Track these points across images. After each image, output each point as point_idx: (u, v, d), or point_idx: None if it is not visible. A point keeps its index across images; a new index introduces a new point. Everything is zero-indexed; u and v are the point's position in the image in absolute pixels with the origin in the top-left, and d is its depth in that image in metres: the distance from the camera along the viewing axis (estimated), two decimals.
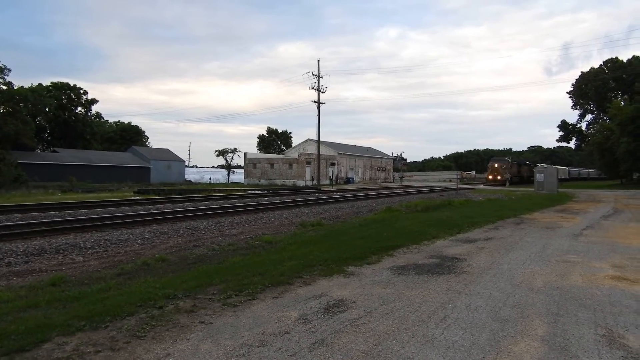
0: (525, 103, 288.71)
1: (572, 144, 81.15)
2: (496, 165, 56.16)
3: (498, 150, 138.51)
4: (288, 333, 4.24)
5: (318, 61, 50.62)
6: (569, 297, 5.60)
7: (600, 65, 68.55)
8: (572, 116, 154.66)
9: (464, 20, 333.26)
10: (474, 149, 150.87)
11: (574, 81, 70.58)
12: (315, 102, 49.86)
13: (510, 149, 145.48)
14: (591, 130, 65.27)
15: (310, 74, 49.85)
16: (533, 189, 36.07)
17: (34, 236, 10.03)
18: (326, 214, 16.80)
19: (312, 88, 49.80)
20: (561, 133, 74.83)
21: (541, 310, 5.07)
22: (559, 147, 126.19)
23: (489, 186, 49.39)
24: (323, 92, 50.38)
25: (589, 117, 71.67)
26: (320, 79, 50.02)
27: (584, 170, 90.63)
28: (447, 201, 22.29)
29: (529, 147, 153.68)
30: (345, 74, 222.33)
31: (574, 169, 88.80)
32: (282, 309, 4.97)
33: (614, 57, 71.23)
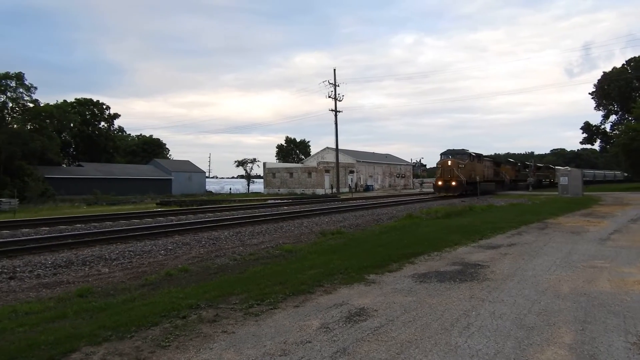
0: (545, 105, 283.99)
1: (596, 146, 79.09)
2: (449, 163, 35.06)
3: (519, 154, 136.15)
4: (310, 342, 4.24)
5: (334, 70, 50.84)
6: (596, 304, 5.46)
7: (623, 64, 66.73)
8: (596, 117, 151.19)
9: (479, 24, 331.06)
10: (495, 154, 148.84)
11: (595, 82, 68.99)
12: (332, 110, 50.02)
13: (532, 152, 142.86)
14: (616, 131, 63.15)
15: (326, 83, 50.11)
16: (557, 193, 35.32)
17: (61, 249, 10.29)
18: (346, 222, 16.77)
19: (329, 97, 50.02)
20: (585, 135, 72.96)
21: (568, 317, 4.96)
22: (582, 149, 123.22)
23: (440, 200, 31.50)
24: (340, 101, 50.56)
25: (613, 117, 69.71)
26: (337, 87, 50.23)
27: (609, 172, 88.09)
28: (469, 207, 22.01)
29: (551, 150, 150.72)
30: (361, 82, 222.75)
31: (599, 171, 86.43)
32: (303, 318, 4.98)
33: (637, 55, 69.41)
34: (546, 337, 4.35)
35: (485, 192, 37.77)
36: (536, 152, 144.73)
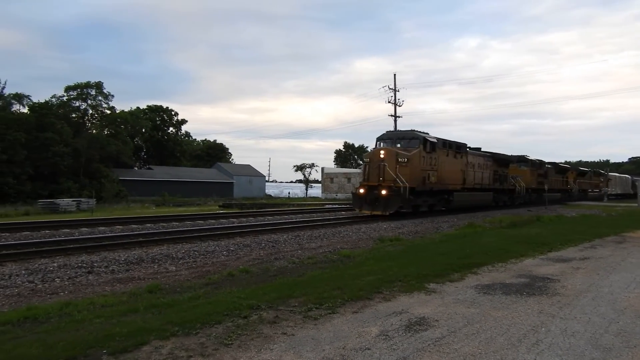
0: (624, 110, 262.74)
1: None
2: (382, 155, 20.30)
3: (593, 162, 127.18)
4: (369, 349, 4.20)
5: (394, 75, 50.24)
6: None
7: None
8: None
9: (549, 26, 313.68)
10: (565, 161, 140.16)
11: None
12: (391, 115, 49.46)
13: (607, 160, 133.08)
14: None
15: (386, 88, 49.57)
16: (636, 204, 32.63)
17: (133, 246, 10.94)
18: (404, 228, 16.50)
19: (389, 102, 49.46)
20: None
21: None
22: None
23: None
24: (400, 106, 49.79)
25: None
26: (397, 92, 49.65)
27: None
28: (536, 217, 20.89)
29: (629, 159, 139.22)
30: (421, 87, 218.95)
31: None
32: (362, 324, 4.95)
33: None
34: (625, 359, 4.02)
35: (465, 207, 24.46)
36: (612, 160, 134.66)
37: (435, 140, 21.94)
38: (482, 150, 29.28)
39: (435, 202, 22.80)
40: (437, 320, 5.10)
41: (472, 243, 11.77)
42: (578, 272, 8.17)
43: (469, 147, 26.19)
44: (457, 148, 24.19)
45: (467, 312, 5.45)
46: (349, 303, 5.78)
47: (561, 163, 49.85)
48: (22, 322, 4.94)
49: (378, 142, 22.02)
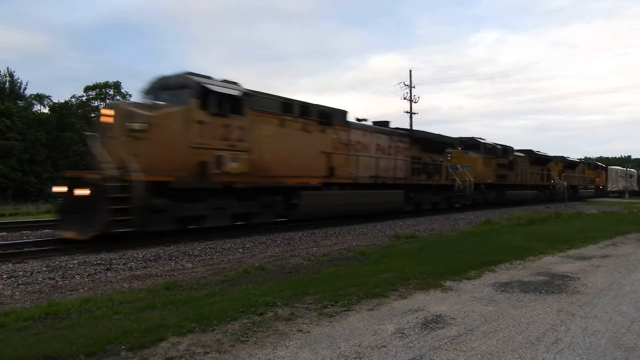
0: None
1: None
2: (106, 118, 10.48)
3: (614, 159, 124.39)
4: (385, 347, 4.18)
5: (410, 71, 49.72)
6: None
7: None
8: None
9: (570, 19, 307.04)
10: (585, 157, 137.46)
11: None
12: (407, 112, 49.13)
13: (629, 156, 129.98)
14: None
15: (402, 85, 49.20)
16: None
17: (151, 244, 11.07)
18: (420, 226, 16.39)
19: (404, 98, 49.13)
20: None
21: None
22: None
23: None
24: (415, 102, 49.29)
25: None
26: (413, 88, 49.21)
27: None
28: (555, 214, 20.58)
29: None
30: (438, 83, 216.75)
31: None
32: (377, 322, 4.93)
33: None
34: None
35: (324, 215, 15.75)
36: (633, 156, 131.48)
37: (234, 93, 11.87)
38: (395, 128, 20.36)
39: (222, 208, 12.11)
40: (453, 318, 5.05)
41: (490, 240, 11.64)
42: (599, 270, 8.01)
43: (359, 119, 17.86)
44: (323, 116, 15.21)
45: (484, 310, 5.39)
46: (365, 300, 5.77)
47: (577, 159, 42.62)
48: (44, 318, 5.04)
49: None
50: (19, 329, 4.65)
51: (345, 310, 5.34)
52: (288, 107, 14.08)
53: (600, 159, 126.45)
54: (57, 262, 8.61)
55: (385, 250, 10.29)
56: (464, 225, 16.81)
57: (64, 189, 10.29)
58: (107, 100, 52.54)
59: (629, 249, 10.51)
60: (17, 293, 6.55)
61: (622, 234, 13.43)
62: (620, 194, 51.42)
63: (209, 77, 11.99)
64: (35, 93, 48.79)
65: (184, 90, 11.26)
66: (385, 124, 20.01)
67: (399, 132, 20.36)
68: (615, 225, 15.72)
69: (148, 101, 11.66)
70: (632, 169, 60.07)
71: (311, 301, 5.70)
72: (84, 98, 51.90)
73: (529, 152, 31.90)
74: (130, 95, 53.50)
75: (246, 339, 4.36)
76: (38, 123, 42.62)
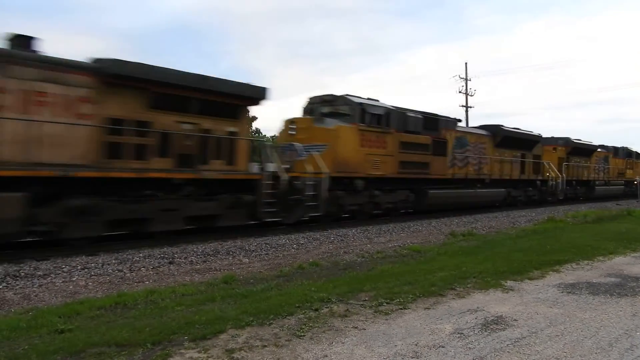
0: None
1: None
2: None
3: None
4: (443, 347, 4.09)
5: (465, 64, 48.30)
6: None
7: None
8: None
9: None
10: None
11: None
12: (463, 106, 47.65)
13: None
14: None
15: (457, 78, 47.82)
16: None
17: (209, 239, 11.49)
18: (478, 223, 15.85)
19: (460, 92, 47.68)
20: None
21: None
22: None
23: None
24: (472, 96, 47.81)
25: None
26: (468, 81, 47.64)
27: None
28: (626, 211, 19.18)
29: None
30: (494, 75, 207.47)
31: None
32: (435, 321, 4.83)
33: None
34: None
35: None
36: None
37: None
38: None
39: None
40: (516, 320, 4.84)
41: (553, 239, 11.06)
42: None
43: (458, 119, 20.45)
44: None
45: (549, 312, 5.13)
46: (421, 299, 5.66)
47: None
48: (114, 307, 5.37)
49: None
50: (92, 317, 4.98)
51: (401, 309, 5.27)
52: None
53: None
54: (125, 255, 9.13)
55: (441, 248, 10.05)
56: (525, 223, 16.08)
57: None
58: None
59: None
60: (90, 283, 7.03)
61: None
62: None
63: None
64: None
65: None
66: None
67: (493, 131, 22.02)
68: None
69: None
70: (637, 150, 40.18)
71: (366, 298, 5.68)
72: None
73: (493, 129, 21.88)
74: None
75: (302, 334, 4.41)
76: None
